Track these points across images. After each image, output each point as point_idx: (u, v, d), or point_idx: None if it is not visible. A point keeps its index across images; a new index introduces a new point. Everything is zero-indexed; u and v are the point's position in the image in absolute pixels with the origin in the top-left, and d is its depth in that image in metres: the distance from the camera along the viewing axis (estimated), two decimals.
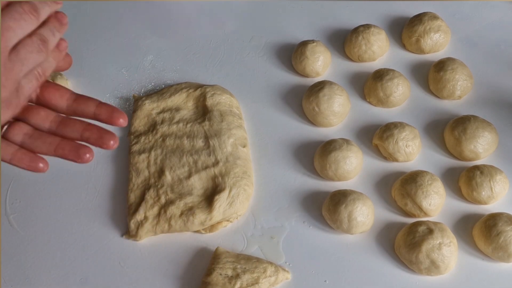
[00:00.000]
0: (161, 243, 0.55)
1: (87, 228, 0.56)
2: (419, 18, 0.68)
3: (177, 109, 0.62)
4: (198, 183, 0.56)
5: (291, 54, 0.68)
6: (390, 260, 0.53)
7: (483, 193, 0.55)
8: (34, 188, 0.59)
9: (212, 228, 0.55)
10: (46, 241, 0.55)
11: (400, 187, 0.56)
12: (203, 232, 0.55)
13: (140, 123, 0.62)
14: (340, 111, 0.61)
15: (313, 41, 0.67)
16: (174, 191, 0.56)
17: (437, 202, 0.54)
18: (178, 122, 0.61)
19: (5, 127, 0.40)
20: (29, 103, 0.41)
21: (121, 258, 0.54)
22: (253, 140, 0.62)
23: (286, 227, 0.56)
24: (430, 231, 0.51)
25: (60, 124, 0.40)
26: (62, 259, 0.54)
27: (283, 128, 0.63)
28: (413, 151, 0.59)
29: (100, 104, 0.40)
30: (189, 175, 0.57)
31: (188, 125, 0.61)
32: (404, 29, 0.70)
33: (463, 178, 0.57)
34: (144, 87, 0.68)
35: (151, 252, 0.54)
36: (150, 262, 0.54)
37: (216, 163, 0.57)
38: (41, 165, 0.39)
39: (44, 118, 0.40)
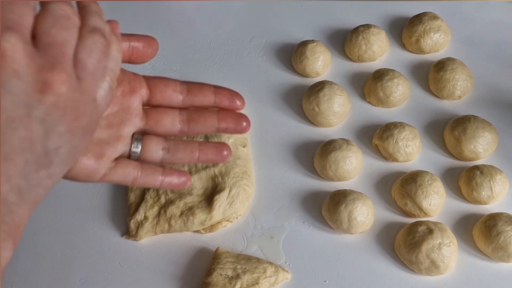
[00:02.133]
0: (161, 243, 0.55)
1: (87, 228, 0.56)
2: (419, 18, 0.68)
3: None
4: (198, 183, 0.56)
5: (291, 54, 0.68)
6: (390, 260, 0.53)
7: (483, 193, 0.55)
8: None
9: (212, 228, 0.55)
10: (46, 241, 0.55)
11: (400, 187, 0.56)
12: (203, 232, 0.55)
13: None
14: (340, 111, 0.61)
15: (313, 41, 0.66)
16: (174, 191, 0.56)
17: (437, 202, 0.54)
18: None
19: (135, 146, 0.36)
20: (144, 107, 0.37)
21: (121, 258, 0.54)
22: (253, 140, 0.62)
23: (286, 227, 0.56)
24: (430, 231, 0.51)
25: (190, 122, 0.37)
26: (62, 259, 0.54)
27: (283, 128, 0.63)
28: (413, 151, 0.59)
29: (216, 89, 0.37)
30: None
31: None
32: (404, 29, 0.70)
33: (463, 178, 0.57)
34: None
35: (151, 252, 0.54)
36: (150, 262, 0.54)
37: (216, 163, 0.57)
38: (185, 179, 0.37)
39: (171, 121, 0.36)
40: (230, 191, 0.55)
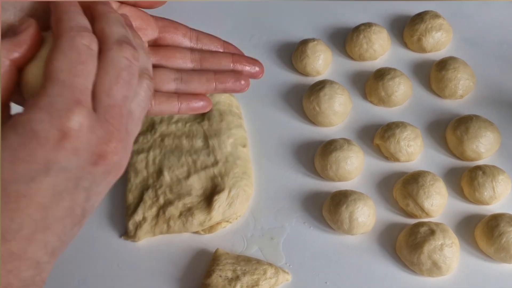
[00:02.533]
0: (160, 244, 0.54)
1: (86, 229, 0.54)
2: (420, 17, 0.68)
3: None
4: (197, 183, 0.56)
5: (292, 53, 0.68)
6: (391, 261, 0.53)
7: (485, 193, 0.54)
8: None
9: (211, 229, 0.55)
10: None
11: (401, 188, 0.55)
12: (202, 233, 0.55)
13: None
14: (341, 111, 0.61)
15: (313, 39, 0.66)
16: (173, 192, 0.55)
17: (439, 202, 0.54)
18: (177, 121, 0.60)
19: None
20: (154, 46, 0.36)
21: (120, 260, 0.53)
22: (253, 140, 0.62)
23: (286, 228, 0.55)
24: (431, 232, 0.51)
25: (203, 61, 0.36)
26: (60, 260, 0.53)
27: (283, 127, 0.63)
28: (415, 151, 0.58)
29: (225, 42, 0.37)
30: (188, 175, 0.56)
31: (187, 125, 0.60)
32: (406, 28, 0.69)
33: (465, 178, 0.56)
34: None
35: (150, 253, 0.54)
36: (149, 264, 0.53)
37: (215, 163, 0.57)
38: (204, 103, 0.35)
39: (183, 58, 0.35)
40: (229, 191, 0.54)
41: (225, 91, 0.36)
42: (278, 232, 0.55)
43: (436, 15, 0.68)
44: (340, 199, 0.53)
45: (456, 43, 0.69)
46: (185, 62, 0.35)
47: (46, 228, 0.26)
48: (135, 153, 0.58)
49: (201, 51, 0.36)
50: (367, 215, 0.53)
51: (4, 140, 0.24)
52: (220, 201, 0.54)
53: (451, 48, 0.69)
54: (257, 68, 0.37)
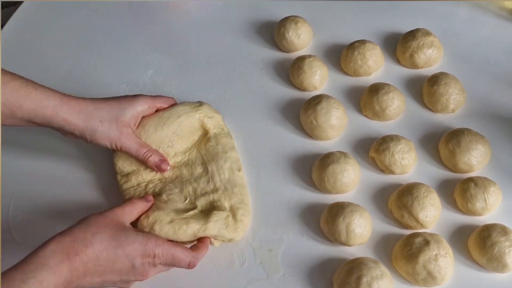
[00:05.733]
0: None
1: None
2: (412, 34, 0.70)
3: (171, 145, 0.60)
4: (197, 206, 0.55)
5: (289, 69, 0.70)
6: None
7: (478, 204, 0.56)
8: (37, 202, 0.59)
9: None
10: None
11: (396, 199, 0.57)
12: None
13: (124, 163, 0.58)
14: (337, 125, 0.62)
15: (310, 56, 0.68)
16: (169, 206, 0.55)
17: (433, 213, 0.55)
18: (175, 155, 0.59)
19: None
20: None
21: None
22: (251, 153, 0.63)
23: (284, 240, 0.56)
24: (426, 243, 0.52)
25: None
26: None
27: (281, 141, 0.64)
28: (409, 164, 0.60)
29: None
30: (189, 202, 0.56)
31: (186, 154, 0.60)
32: (398, 45, 0.71)
33: (458, 190, 0.58)
34: None
35: None
36: None
37: (215, 190, 0.56)
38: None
39: None
40: (227, 216, 0.54)
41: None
42: (277, 244, 0.56)
43: (427, 33, 0.70)
44: (337, 211, 0.55)
45: (447, 59, 0.71)
46: None
47: None
48: (136, 186, 0.58)
49: None
50: (364, 226, 0.54)
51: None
52: (219, 216, 0.53)
53: (442, 64, 0.71)
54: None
